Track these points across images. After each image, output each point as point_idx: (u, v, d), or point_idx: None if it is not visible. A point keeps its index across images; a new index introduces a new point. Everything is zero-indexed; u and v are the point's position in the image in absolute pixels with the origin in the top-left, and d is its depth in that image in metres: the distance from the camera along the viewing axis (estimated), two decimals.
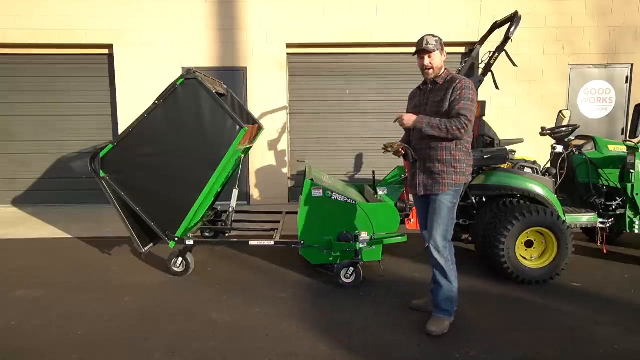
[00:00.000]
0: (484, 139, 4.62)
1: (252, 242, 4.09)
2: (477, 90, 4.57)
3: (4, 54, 7.07)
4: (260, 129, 5.04)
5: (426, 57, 2.93)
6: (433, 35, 2.96)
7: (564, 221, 3.83)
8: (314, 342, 2.88)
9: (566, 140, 4.48)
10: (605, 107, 7.29)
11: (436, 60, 2.93)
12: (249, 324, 3.14)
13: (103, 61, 7.16)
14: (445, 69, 3.02)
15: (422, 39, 2.94)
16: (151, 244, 4.27)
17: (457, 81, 2.88)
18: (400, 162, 4.52)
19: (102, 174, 3.91)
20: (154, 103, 3.85)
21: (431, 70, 2.95)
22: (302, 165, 7.37)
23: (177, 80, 3.82)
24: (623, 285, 3.85)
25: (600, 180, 4.35)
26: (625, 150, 4.34)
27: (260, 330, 3.06)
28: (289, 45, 7.06)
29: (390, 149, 3.01)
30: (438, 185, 2.93)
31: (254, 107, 7.03)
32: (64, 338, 2.95)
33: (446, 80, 2.96)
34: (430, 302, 3.16)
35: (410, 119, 2.90)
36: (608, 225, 4.30)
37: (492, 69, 4.60)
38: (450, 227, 2.98)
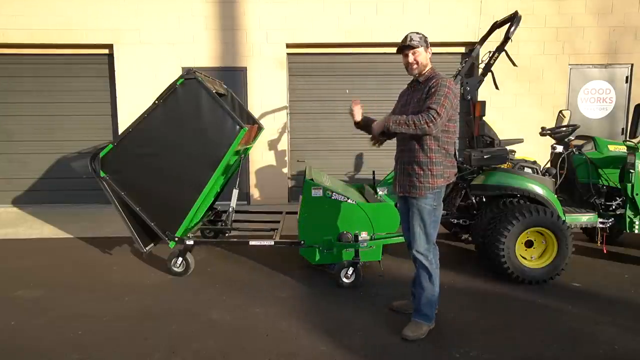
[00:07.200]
0: (484, 139, 4.62)
1: (252, 242, 4.09)
2: (477, 90, 4.62)
3: (4, 54, 7.06)
4: (260, 129, 5.04)
5: (410, 53, 2.88)
6: (417, 33, 2.91)
7: (564, 221, 3.83)
8: (314, 342, 2.88)
9: (566, 140, 4.48)
10: (605, 107, 7.29)
11: (420, 56, 2.88)
12: (249, 324, 3.14)
13: (103, 61, 7.16)
14: (431, 67, 2.95)
15: (405, 37, 2.90)
16: (152, 244, 4.27)
17: (434, 79, 2.83)
18: None
19: (102, 174, 3.91)
20: (154, 103, 3.85)
21: (416, 66, 2.89)
22: (302, 165, 7.36)
23: (177, 80, 3.81)
24: (623, 285, 3.85)
25: (600, 180, 4.35)
26: (625, 150, 4.34)
27: (260, 330, 3.06)
28: (289, 45, 7.05)
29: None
30: (415, 189, 2.87)
31: (254, 107, 7.03)
32: (64, 338, 2.95)
33: (427, 78, 2.90)
34: (411, 305, 3.13)
35: (377, 125, 2.90)
36: (608, 225, 4.31)
37: (492, 69, 4.60)
38: (433, 229, 2.91)
